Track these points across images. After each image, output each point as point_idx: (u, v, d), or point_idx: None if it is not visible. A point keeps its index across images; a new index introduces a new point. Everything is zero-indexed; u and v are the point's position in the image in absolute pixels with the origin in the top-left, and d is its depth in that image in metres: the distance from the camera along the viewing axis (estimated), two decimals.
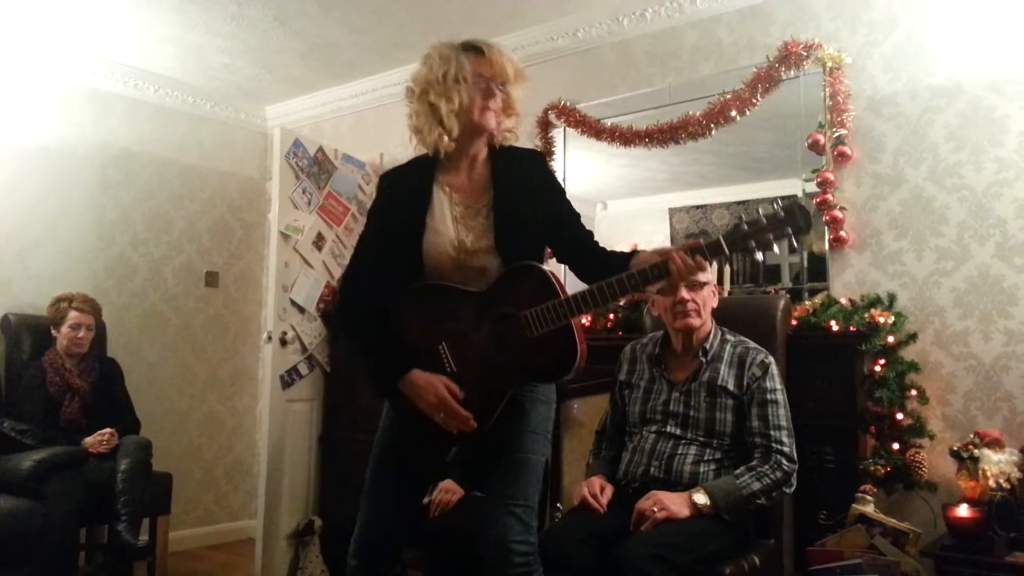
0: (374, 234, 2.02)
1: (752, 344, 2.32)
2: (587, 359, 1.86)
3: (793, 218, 1.71)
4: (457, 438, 1.92)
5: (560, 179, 3.86)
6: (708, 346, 2.32)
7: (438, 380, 1.87)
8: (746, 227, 1.74)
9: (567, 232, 2.02)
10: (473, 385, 1.88)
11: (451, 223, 1.95)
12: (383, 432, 2.05)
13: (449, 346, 1.91)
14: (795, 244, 1.78)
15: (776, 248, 1.75)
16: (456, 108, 1.90)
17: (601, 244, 2.01)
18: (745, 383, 2.24)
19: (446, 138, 1.92)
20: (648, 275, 1.78)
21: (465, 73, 1.90)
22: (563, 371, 1.84)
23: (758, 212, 1.75)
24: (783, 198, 1.83)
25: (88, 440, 3.46)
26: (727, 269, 3.29)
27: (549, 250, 2.10)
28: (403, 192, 2.00)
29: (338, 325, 2.09)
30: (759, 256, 1.77)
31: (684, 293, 2.27)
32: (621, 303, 3.41)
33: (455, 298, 1.92)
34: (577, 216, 2.06)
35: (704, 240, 1.77)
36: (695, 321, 2.29)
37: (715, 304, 2.37)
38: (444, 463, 2.30)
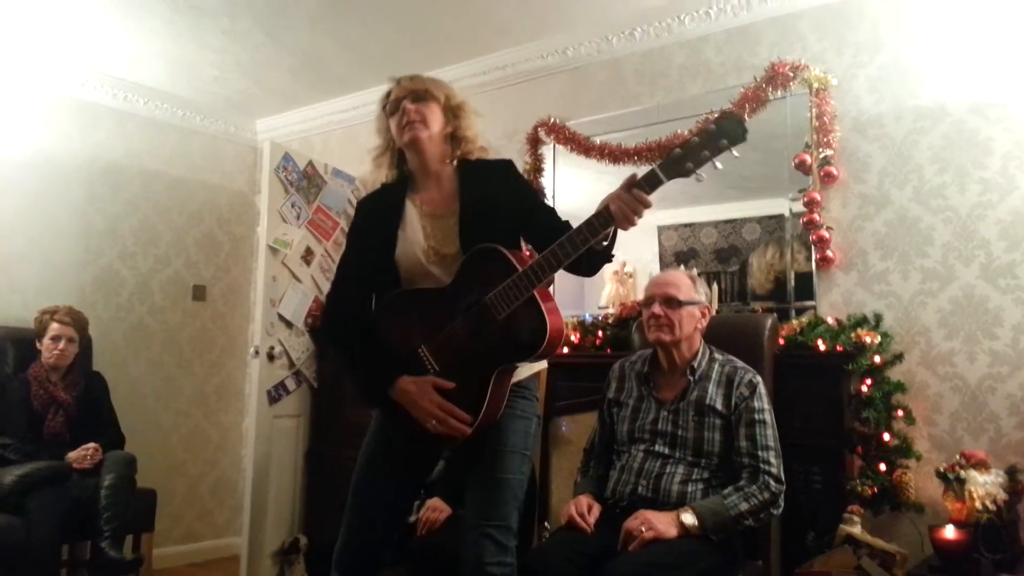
0: (353, 252, 2.10)
1: (740, 363, 2.33)
2: (562, 335, 1.87)
3: (725, 130, 1.67)
4: (446, 442, 1.94)
5: (549, 195, 3.88)
6: (696, 365, 2.32)
7: (426, 383, 1.89)
8: (679, 150, 1.71)
9: (538, 221, 2.03)
10: (458, 381, 1.89)
11: (420, 231, 2.00)
12: (369, 442, 2.06)
13: (428, 348, 1.93)
14: (734, 154, 1.71)
15: (717, 164, 1.70)
16: (387, 139, 2.08)
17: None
18: (733, 403, 2.24)
19: (388, 171, 2.10)
20: (594, 224, 1.75)
21: (385, 103, 2.07)
22: (535, 346, 1.81)
23: (688, 132, 1.73)
24: (715, 120, 1.72)
25: (72, 455, 3.42)
26: (715, 288, 3.30)
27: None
28: (378, 211, 2.07)
29: (327, 342, 2.13)
30: (701, 176, 1.71)
31: (656, 308, 2.30)
32: (610, 322, 3.41)
33: (425, 300, 1.97)
34: (550, 208, 2.13)
35: (639, 174, 1.74)
36: (665, 335, 2.30)
37: (703, 325, 2.37)
38: (430, 474, 2.30)
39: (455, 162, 2.07)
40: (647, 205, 1.74)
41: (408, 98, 1.99)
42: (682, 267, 3.31)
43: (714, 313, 3.17)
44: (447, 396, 1.87)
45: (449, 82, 4.27)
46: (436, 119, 2.01)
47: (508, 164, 2.12)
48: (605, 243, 1.84)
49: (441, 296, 1.93)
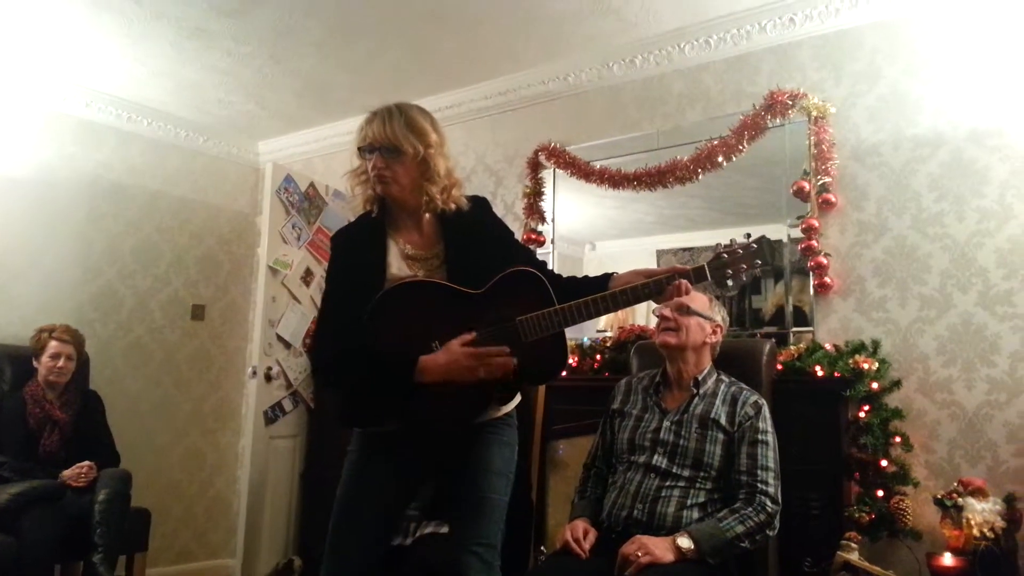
0: (338, 290, 2.00)
1: (747, 387, 2.36)
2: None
3: (761, 252, 1.95)
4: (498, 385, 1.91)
5: (549, 219, 3.90)
6: (701, 379, 2.34)
7: (449, 346, 1.85)
8: (726, 255, 1.96)
9: (518, 259, 2.04)
10: (465, 385, 1.87)
11: (405, 264, 1.98)
12: (349, 473, 2.02)
13: (440, 345, 1.89)
14: (758, 275, 1.99)
15: (744, 278, 1.98)
16: (364, 180, 2.00)
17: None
18: (737, 421, 2.25)
19: (369, 206, 2.02)
20: (640, 292, 1.93)
21: (362, 135, 1.97)
22: (552, 375, 2.04)
23: (733, 242, 1.97)
24: (757, 240, 2.01)
25: (66, 473, 3.40)
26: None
27: None
28: (358, 248, 2.02)
29: (324, 381, 2.07)
30: (729, 283, 1.97)
31: (667, 312, 2.38)
32: (608, 345, 3.42)
33: (447, 296, 1.92)
34: (531, 251, 2.19)
35: (691, 266, 1.95)
36: (671, 338, 2.35)
37: (713, 341, 2.39)
38: (407, 506, 2.28)
39: (428, 215, 2.03)
40: (687, 294, 1.95)
41: (379, 151, 1.92)
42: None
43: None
44: (454, 399, 1.88)
45: (450, 107, 4.32)
46: (406, 173, 1.94)
47: (484, 203, 2.13)
48: None
49: (466, 299, 1.91)
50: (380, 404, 1.92)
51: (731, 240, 1.99)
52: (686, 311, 2.35)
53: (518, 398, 2.08)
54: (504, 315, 1.89)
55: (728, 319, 2.51)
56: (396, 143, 1.90)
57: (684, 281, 1.91)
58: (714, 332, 2.40)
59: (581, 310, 1.90)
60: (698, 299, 2.41)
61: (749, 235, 1.98)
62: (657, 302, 1.99)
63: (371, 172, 1.94)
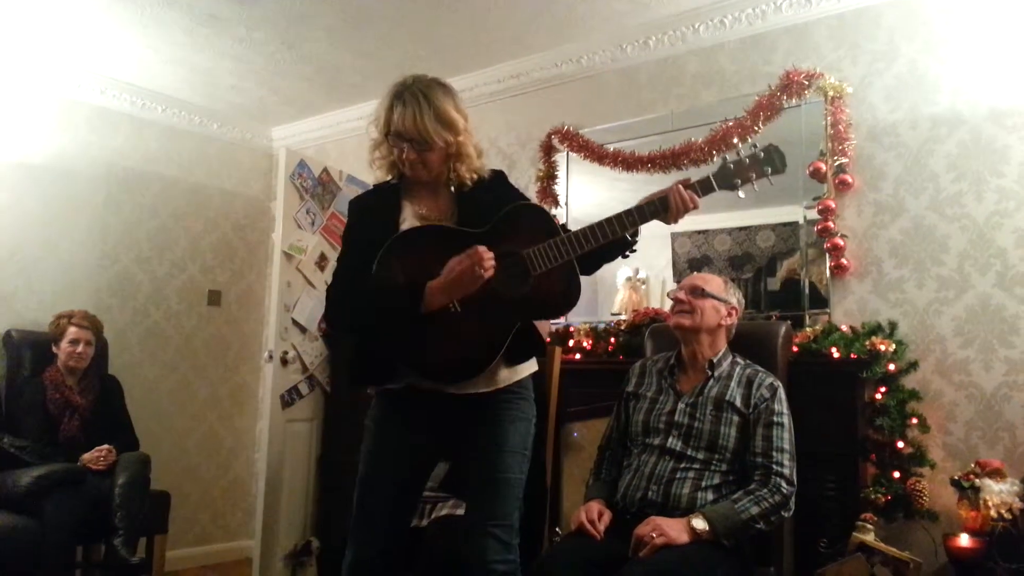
0: (353, 248, 2.03)
1: (762, 369, 2.35)
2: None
3: (771, 160, 1.93)
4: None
5: (563, 202, 3.89)
6: (716, 361, 2.34)
7: (453, 263, 1.83)
8: (732, 166, 1.95)
9: None
10: (479, 322, 1.89)
11: (418, 223, 1.99)
12: (367, 450, 2.04)
13: None
14: (770, 183, 1.99)
15: (754, 187, 1.96)
16: (391, 159, 2.00)
17: None
18: (753, 403, 2.24)
19: (391, 178, 2.04)
20: (645, 210, 1.93)
21: (390, 110, 1.94)
22: (566, 306, 1.97)
23: (738, 152, 1.96)
24: (764, 148, 1.99)
25: (86, 456, 3.46)
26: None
27: None
28: (374, 210, 2.05)
29: (335, 324, 2.06)
30: (741, 194, 1.96)
31: (681, 295, 2.37)
32: (622, 328, 3.41)
33: (453, 237, 1.92)
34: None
35: (696, 179, 1.94)
36: (685, 320, 2.35)
37: (728, 323, 2.38)
38: (429, 475, 2.28)
39: (452, 188, 2.04)
40: (696, 207, 1.94)
41: (409, 143, 1.91)
42: (669, 274, 3.44)
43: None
44: (468, 338, 1.89)
45: (463, 91, 4.30)
46: (438, 161, 1.96)
47: (500, 174, 2.13)
48: (635, 238, 1.99)
49: (468, 238, 1.89)
50: (394, 347, 1.91)
51: (738, 151, 1.98)
52: (700, 293, 2.35)
53: (534, 365, 2.07)
54: (511, 249, 1.89)
55: (744, 301, 2.50)
56: (428, 138, 1.90)
57: (688, 192, 1.92)
58: (729, 314, 2.39)
59: (588, 236, 1.89)
60: (713, 281, 2.40)
61: (755, 144, 1.96)
62: (665, 220, 1.95)
63: (402, 159, 1.95)
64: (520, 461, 1.98)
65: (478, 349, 1.90)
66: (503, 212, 1.94)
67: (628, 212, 1.92)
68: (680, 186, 1.93)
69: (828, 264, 3.10)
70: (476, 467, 1.98)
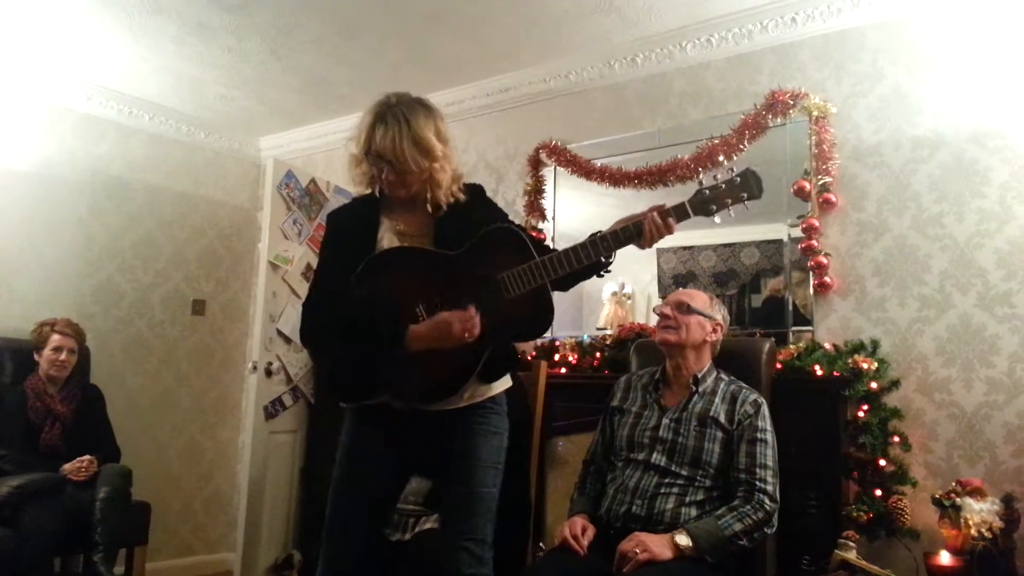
0: (330, 262, 2.05)
1: (746, 386, 2.36)
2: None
3: (747, 185, 1.91)
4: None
5: (549, 217, 3.91)
6: (700, 377, 2.35)
7: (444, 317, 1.85)
8: (708, 191, 1.94)
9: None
10: (448, 354, 1.89)
11: (396, 239, 2.00)
12: (341, 463, 2.04)
13: (425, 307, 1.92)
14: (747, 208, 1.98)
15: (731, 212, 1.94)
16: (370, 175, 2.00)
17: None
18: (737, 419, 2.25)
19: (365, 186, 2.03)
20: (620, 235, 1.93)
21: (371, 124, 1.95)
22: (540, 330, 1.98)
23: (716, 178, 1.93)
24: (740, 173, 1.96)
25: (67, 466, 3.42)
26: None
27: None
28: (352, 224, 2.06)
29: (309, 344, 2.06)
30: (716, 219, 1.94)
31: (667, 310, 2.38)
32: (608, 343, 3.42)
33: (426, 260, 1.95)
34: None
35: (670, 204, 1.93)
36: (670, 336, 2.36)
37: (713, 339, 2.39)
38: (401, 490, 2.27)
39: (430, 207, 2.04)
40: (671, 233, 1.95)
41: (389, 166, 1.92)
42: (655, 289, 3.48)
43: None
44: (441, 361, 1.89)
45: (451, 104, 4.30)
46: (415, 181, 1.97)
47: (478, 190, 2.14)
48: (608, 260, 1.99)
49: (445, 262, 1.93)
50: (367, 372, 1.93)
51: (715, 176, 1.96)
52: (686, 309, 2.36)
53: (508, 380, 2.08)
54: (486, 272, 1.90)
55: (729, 318, 2.51)
56: (402, 160, 1.90)
57: (663, 219, 1.92)
58: (714, 330, 2.40)
59: (562, 260, 1.90)
60: (698, 297, 2.42)
61: (732, 169, 1.94)
62: (639, 245, 1.95)
63: (381, 179, 1.96)
64: (493, 475, 2.00)
65: (451, 373, 1.91)
66: (480, 234, 1.94)
67: (603, 237, 1.94)
68: (655, 212, 1.94)
69: (812, 282, 3.12)
70: (449, 482, 2.00)
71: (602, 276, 2.06)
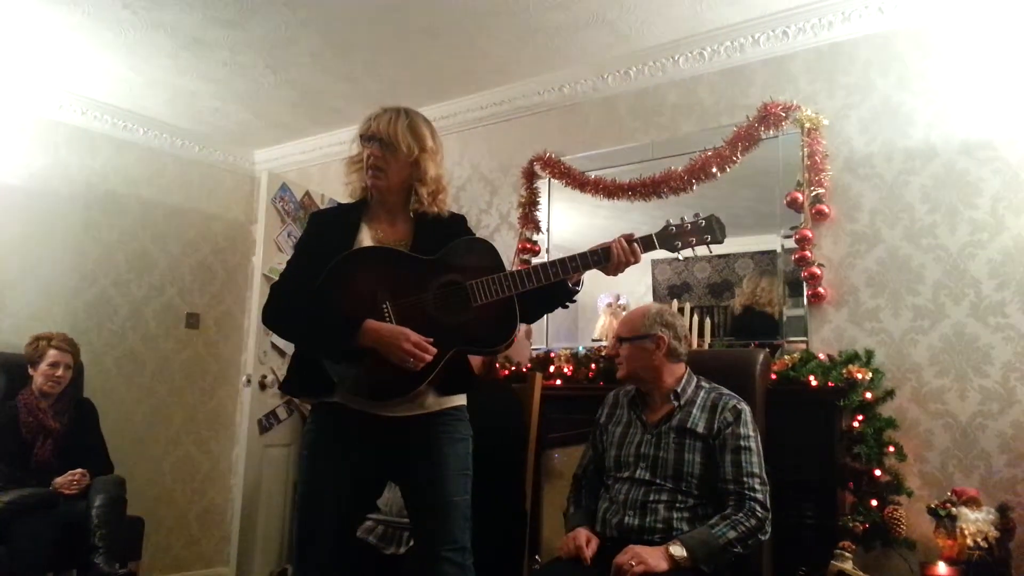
0: (304, 256, 2.08)
1: (726, 391, 2.34)
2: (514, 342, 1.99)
3: (711, 229, 2.02)
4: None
5: (544, 229, 3.92)
6: (680, 391, 2.34)
7: (403, 335, 1.88)
8: (674, 229, 2.03)
9: None
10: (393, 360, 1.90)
11: (373, 243, 2.05)
12: (307, 469, 2.04)
13: (392, 307, 1.94)
14: (709, 251, 2.11)
15: (693, 252, 2.04)
16: (360, 171, 2.09)
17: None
18: (716, 427, 2.24)
19: (356, 185, 2.12)
20: (589, 258, 1.99)
21: (367, 125, 2.08)
22: (500, 341, 1.98)
23: (683, 219, 2.02)
24: (706, 218, 2.05)
25: (58, 480, 3.39)
26: (707, 322, 3.32)
27: None
28: (333, 226, 2.11)
29: (270, 323, 2.07)
30: (679, 256, 2.05)
31: (611, 347, 2.46)
32: (603, 354, 3.42)
33: (398, 261, 2.00)
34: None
35: (639, 236, 2.03)
36: (620, 372, 2.41)
37: (662, 353, 2.33)
38: (373, 505, 2.26)
39: (412, 214, 2.09)
40: (637, 261, 2.02)
41: (377, 143, 2.02)
42: (650, 300, 3.47)
43: (706, 347, 3.21)
44: (391, 362, 1.90)
45: (445, 117, 4.33)
46: (397, 169, 2.03)
47: (461, 218, 2.19)
48: (576, 287, 2.06)
49: (415, 263, 1.98)
50: (320, 356, 1.96)
51: (682, 217, 2.06)
52: (621, 342, 2.39)
53: (463, 397, 2.08)
54: (456, 279, 1.95)
55: (676, 321, 2.41)
56: (394, 139, 2.00)
57: (631, 246, 1.99)
58: (658, 346, 2.34)
59: (531, 275, 1.95)
60: (629, 323, 2.43)
61: (698, 214, 2.04)
62: (606, 271, 2.01)
63: (367, 160, 2.03)
64: (464, 482, 2.00)
65: (401, 372, 1.90)
66: (455, 242, 2.01)
67: (572, 258, 1.98)
68: (623, 239, 2.00)
69: (805, 293, 3.13)
70: (420, 493, 1.99)
71: (567, 307, 2.11)
